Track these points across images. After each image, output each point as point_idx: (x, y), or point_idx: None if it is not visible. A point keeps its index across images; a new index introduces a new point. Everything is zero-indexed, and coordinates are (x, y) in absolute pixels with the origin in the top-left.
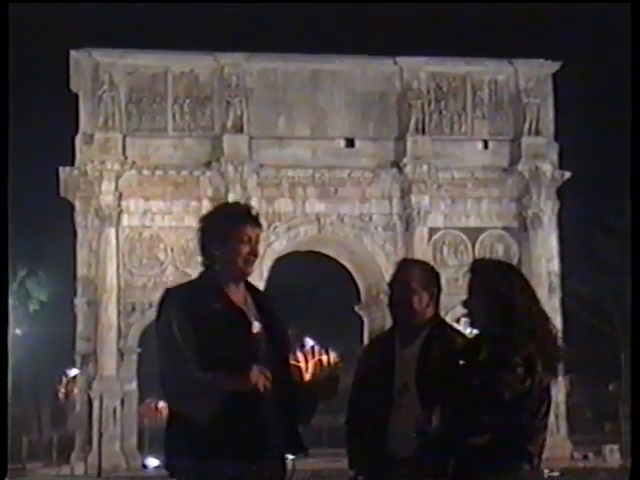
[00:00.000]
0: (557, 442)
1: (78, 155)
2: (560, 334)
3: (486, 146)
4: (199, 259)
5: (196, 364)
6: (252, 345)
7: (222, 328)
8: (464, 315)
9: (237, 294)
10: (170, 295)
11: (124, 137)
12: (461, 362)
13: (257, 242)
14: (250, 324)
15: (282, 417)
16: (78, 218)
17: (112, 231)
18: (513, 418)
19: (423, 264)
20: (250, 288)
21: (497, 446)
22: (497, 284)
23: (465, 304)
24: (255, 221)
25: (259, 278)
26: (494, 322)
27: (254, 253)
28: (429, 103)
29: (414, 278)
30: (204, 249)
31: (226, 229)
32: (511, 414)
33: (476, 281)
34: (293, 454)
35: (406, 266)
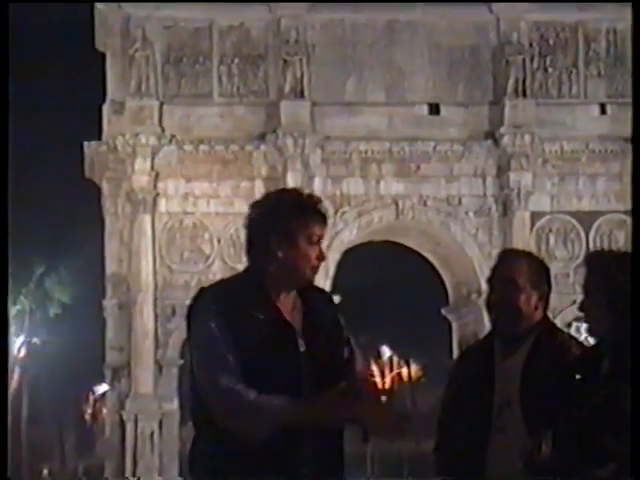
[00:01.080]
0: None
1: (106, 127)
2: None
3: (603, 111)
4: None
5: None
6: (297, 367)
7: (265, 345)
8: (577, 319)
9: (287, 300)
10: (205, 298)
11: (161, 105)
12: (578, 376)
13: (321, 243)
14: (297, 341)
15: (318, 451)
16: (107, 204)
17: (147, 218)
18: None
19: (531, 256)
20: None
21: (624, 478)
22: (620, 281)
23: (581, 307)
24: (325, 218)
25: (324, 275)
26: (618, 328)
27: (323, 257)
28: (532, 59)
29: (521, 273)
30: (260, 245)
31: (294, 225)
32: None
33: (594, 278)
34: None
35: (511, 258)
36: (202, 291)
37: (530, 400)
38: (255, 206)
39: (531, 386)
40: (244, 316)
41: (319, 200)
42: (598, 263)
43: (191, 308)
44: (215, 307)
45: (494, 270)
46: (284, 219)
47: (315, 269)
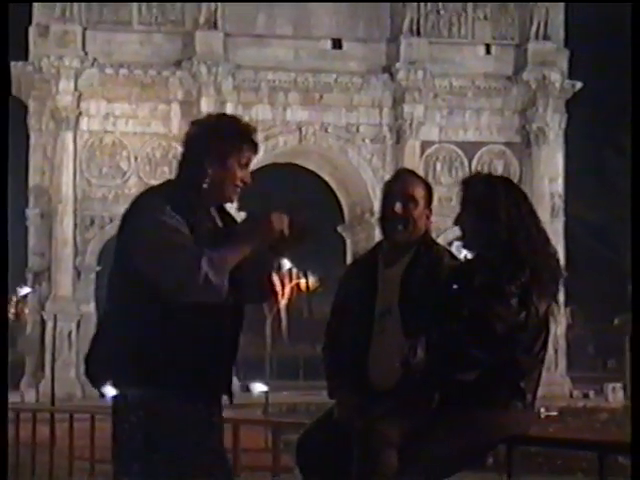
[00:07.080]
0: (555, 379)
1: (32, 49)
2: (562, 260)
3: (488, 51)
4: (167, 169)
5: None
6: (237, 282)
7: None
8: (458, 239)
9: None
10: (154, 199)
11: (84, 30)
12: (455, 286)
13: (249, 168)
14: None
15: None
16: (32, 120)
17: (69, 135)
18: (506, 353)
19: (423, 178)
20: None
21: (486, 382)
22: (488, 200)
23: (456, 221)
24: (256, 146)
25: None
26: (487, 243)
27: (248, 181)
28: (425, 1)
29: (419, 191)
30: (194, 161)
31: (229, 147)
32: (503, 349)
33: (467, 197)
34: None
35: (410, 177)
36: (149, 194)
37: (407, 306)
38: (195, 124)
39: (408, 293)
40: (198, 223)
41: (255, 129)
42: (472, 183)
43: (139, 208)
44: (168, 209)
45: (392, 184)
46: (220, 140)
47: (237, 190)
